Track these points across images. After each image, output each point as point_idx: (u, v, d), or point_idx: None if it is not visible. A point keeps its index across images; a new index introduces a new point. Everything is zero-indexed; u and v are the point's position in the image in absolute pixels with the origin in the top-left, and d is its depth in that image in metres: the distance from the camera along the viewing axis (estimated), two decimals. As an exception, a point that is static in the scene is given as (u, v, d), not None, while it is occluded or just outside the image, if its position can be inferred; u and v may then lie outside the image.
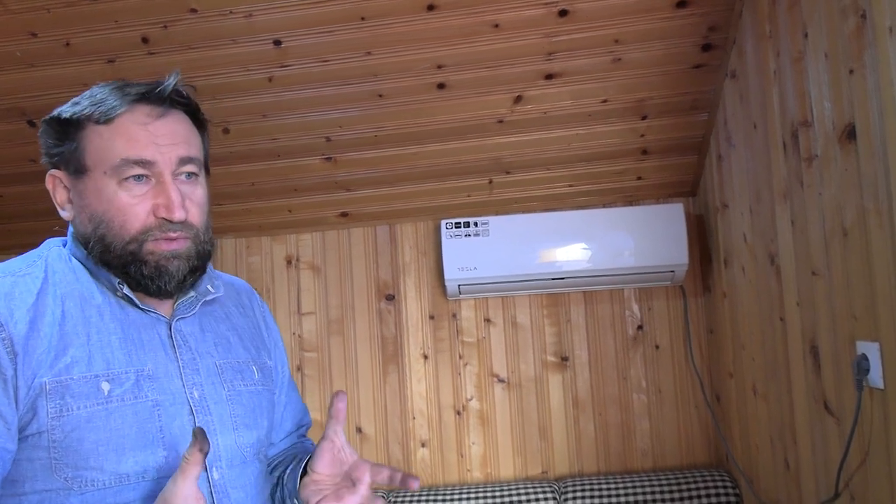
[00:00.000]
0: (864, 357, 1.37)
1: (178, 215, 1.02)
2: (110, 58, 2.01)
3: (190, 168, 1.06)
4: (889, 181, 1.26)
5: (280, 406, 1.31)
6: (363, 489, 1.06)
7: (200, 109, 1.12)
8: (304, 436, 1.39)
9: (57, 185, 1.08)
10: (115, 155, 1.01)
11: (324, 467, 1.08)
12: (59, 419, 0.95)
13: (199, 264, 1.08)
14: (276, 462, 1.28)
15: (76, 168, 1.04)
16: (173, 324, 1.09)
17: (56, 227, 1.21)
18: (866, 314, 1.38)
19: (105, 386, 0.98)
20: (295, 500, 1.15)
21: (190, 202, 1.05)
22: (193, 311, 1.13)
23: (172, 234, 1.03)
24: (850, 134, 1.39)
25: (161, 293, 1.06)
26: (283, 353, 1.33)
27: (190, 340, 1.11)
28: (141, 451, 0.99)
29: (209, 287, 1.16)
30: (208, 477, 1.04)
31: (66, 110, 1.05)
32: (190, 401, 1.05)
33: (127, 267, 1.03)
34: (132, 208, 1.02)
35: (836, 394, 1.55)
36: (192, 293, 1.12)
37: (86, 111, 1.03)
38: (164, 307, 1.10)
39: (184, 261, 1.05)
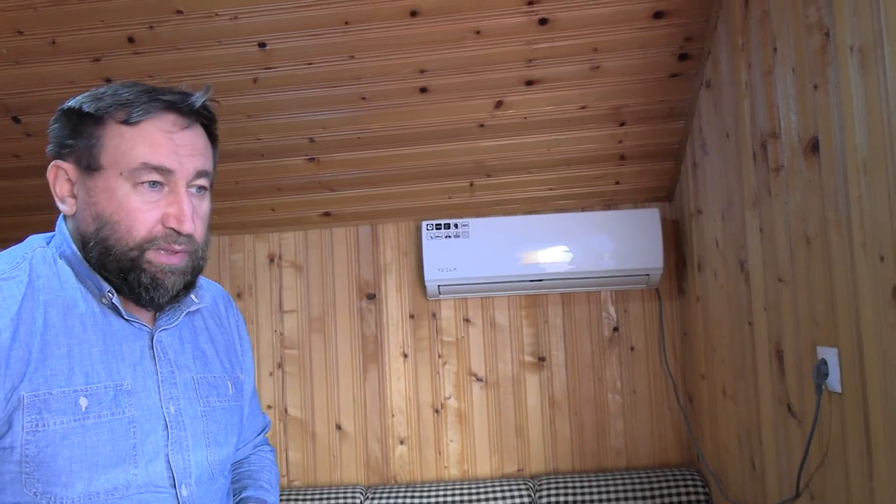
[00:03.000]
0: (824, 362, 1.42)
1: (188, 227, 1.01)
2: (96, 57, 2.03)
3: (202, 182, 1.06)
4: (848, 193, 1.31)
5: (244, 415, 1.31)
6: None
7: (216, 126, 1.12)
8: (264, 441, 1.42)
9: (59, 177, 1.04)
10: (135, 158, 0.99)
11: None
12: (34, 434, 0.94)
13: (192, 280, 1.08)
14: (234, 476, 1.30)
15: (88, 164, 1.01)
16: (155, 335, 1.08)
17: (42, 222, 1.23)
18: (826, 321, 1.43)
19: (83, 402, 0.98)
20: None
21: (197, 217, 1.04)
22: (175, 322, 1.12)
23: (177, 247, 1.02)
24: (814, 147, 1.45)
25: (153, 305, 1.05)
26: (251, 362, 1.32)
27: (170, 353, 1.10)
28: (113, 469, 0.98)
29: (193, 297, 1.14)
30: (177, 494, 1.04)
31: (88, 104, 1.01)
32: (165, 416, 1.05)
33: (125, 273, 1.01)
34: (142, 214, 1.00)
35: (798, 397, 1.60)
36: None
37: (111, 109, 1.00)
38: (147, 317, 1.09)
39: (180, 276, 1.05)
